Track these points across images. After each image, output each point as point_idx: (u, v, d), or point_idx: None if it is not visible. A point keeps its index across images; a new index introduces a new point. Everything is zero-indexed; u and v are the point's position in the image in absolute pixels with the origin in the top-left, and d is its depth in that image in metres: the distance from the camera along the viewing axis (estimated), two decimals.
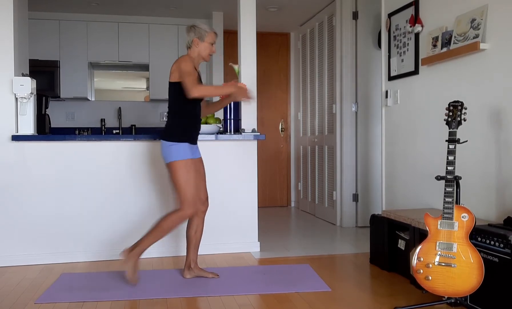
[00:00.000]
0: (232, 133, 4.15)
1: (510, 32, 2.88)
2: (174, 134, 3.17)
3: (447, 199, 2.59)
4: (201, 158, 3.39)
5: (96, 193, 3.97)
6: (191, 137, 3.25)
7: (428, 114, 3.69)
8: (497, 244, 2.53)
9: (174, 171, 3.15)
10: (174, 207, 4.08)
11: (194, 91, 3.07)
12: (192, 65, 3.16)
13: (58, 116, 6.36)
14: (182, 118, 3.21)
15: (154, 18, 6.37)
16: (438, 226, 2.61)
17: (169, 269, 3.67)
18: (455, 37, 3.30)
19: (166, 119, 3.25)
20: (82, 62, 6.18)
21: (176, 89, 3.18)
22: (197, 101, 3.27)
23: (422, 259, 2.63)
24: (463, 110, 2.69)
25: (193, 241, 3.37)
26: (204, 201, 3.37)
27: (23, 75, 4.00)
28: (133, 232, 4.02)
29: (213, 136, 4.01)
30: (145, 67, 6.48)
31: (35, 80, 3.89)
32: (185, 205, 3.16)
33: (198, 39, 3.25)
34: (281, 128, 7.10)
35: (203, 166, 3.40)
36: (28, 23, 4.92)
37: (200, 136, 3.98)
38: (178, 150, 3.14)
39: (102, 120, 6.38)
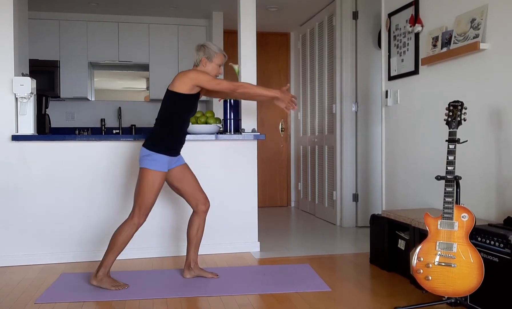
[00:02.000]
0: (232, 133, 4.15)
1: (510, 32, 2.88)
2: (156, 144, 3.12)
3: (447, 199, 2.59)
4: (185, 163, 3.35)
5: (96, 193, 3.97)
6: (173, 150, 3.20)
7: (428, 114, 3.69)
8: (497, 244, 2.53)
9: (142, 177, 3.11)
10: (176, 205, 4.09)
11: (239, 86, 3.13)
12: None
13: (58, 116, 6.36)
14: (169, 130, 3.16)
15: (154, 18, 6.37)
16: (438, 226, 2.61)
17: (169, 269, 3.67)
18: (455, 37, 3.30)
19: (153, 126, 3.21)
20: (82, 62, 6.18)
21: (175, 99, 3.14)
22: (189, 116, 3.24)
23: (422, 259, 2.63)
24: (463, 110, 2.69)
25: (193, 241, 3.37)
26: (204, 201, 3.37)
27: (23, 75, 4.00)
28: None
29: (213, 136, 4.01)
30: (145, 67, 6.48)
31: (35, 80, 3.89)
32: (137, 213, 3.12)
33: (207, 59, 3.24)
34: (281, 128, 7.10)
35: (189, 169, 3.37)
36: (28, 23, 4.92)
37: (200, 137, 3.98)
38: (155, 161, 3.10)
39: (102, 120, 6.38)
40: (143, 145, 3.16)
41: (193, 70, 3.19)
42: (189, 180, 3.34)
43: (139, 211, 3.13)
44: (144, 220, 3.17)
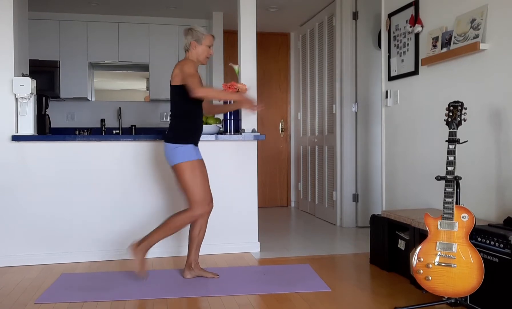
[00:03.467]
0: (232, 133, 4.15)
1: (510, 32, 2.88)
2: (179, 136, 3.19)
3: (447, 199, 2.59)
4: (202, 159, 3.39)
5: (96, 193, 3.97)
6: (195, 139, 3.28)
7: (428, 115, 3.69)
8: (497, 244, 2.53)
9: (181, 172, 3.17)
10: (175, 207, 4.09)
11: (198, 91, 3.09)
12: (194, 67, 3.20)
13: (58, 117, 6.36)
14: (186, 121, 3.23)
15: (154, 18, 6.37)
16: (438, 226, 2.61)
17: (169, 269, 3.67)
18: (455, 37, 3.30)
19: (170, 122, 3.26)
20: (82, 62, 6.18)
21: (179, 92, 3.20)
22: (199, 103, 3.28)
23: (422, 259, 2.63)
24: (463, 111, 2.69)
25: (195, 241, 3.37)
26: (208, 202, 3.37)
27: (23, 75, 4.00)
28: (133, 232, 4.02)
29: (213, 137, 4.01)
30: (145, 67, 6.48)
31: (35, 81, 3.89)
32: (194, 206, 3.19)
33: (196, 42, 3.28)
34: (281, 128, 7.10)
35: (205, 166, 3.40)
36: (28, 23, 4.92)
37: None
38: (184, 152, 3.16)
39: (102, 120, 6.38)
40: (166, 141, 3.21)
41: (184, 63, 3.19)
42: (205, 178, 3.35)
43: (197, 204, 3.19)
44: (204, 210, 3.23)
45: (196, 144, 3.29)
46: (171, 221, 3.19)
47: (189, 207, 3.22)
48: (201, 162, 3.30)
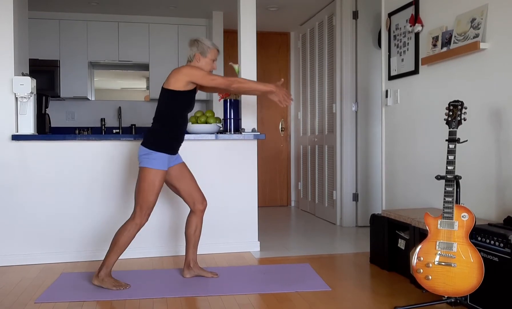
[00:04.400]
0: (232, 133, 4.15)
1: (510, 31, 2.88)
2: (154, 143, 3.10)
3: (447, 199, 2.59)
4: (183, 162, 3.35)
5: (96, 193, 3.97)
6: (172, 148, 3.18)
7: (428, 114, 3.69)
8: (497, 243, 2.53)
9: (142, 176, 3.10)
10: (175, 206, 4.09)
11: (235, 82, 3.12)
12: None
13: (58, 116, 6.36)
14: (168, 128, 3.15)
15: (154, 18, 6.36)
16: (438, 226, 2.61)
17: (168, 268, 3.67)
18: (455, 36, 3.30)
19: (152, 124, 3.20)
20: (82, 62, 6.18)
21: (170, 96, 3.13)
22: (187, 112, 3.23)
23: (422, 259, 2.63)
24: (463, 110, 2.69)
25: (192, 240, 3.36)
26: (201, 201, 3.36)
27: (23, 74, 4.00)
28: None
29: (213, 136, 4.01)
30: (145, 67, 6.48)
31: (35, 80, 3.89)
32: (138, 213, 3.11)
33: (200, 55, 3.23)
34: (281, 128, 7.10)
35: (187, 168, 3.36)
36: (28, 23, 4.92)
37: (200, 136, 3.98)
38: (155, 159, 3.08)
39: (102, 120, 6.38)
40: (142, 144, 3.14)
41: (187, 66, 3.18)
42: (187, 179, 3.33)
43: (141, 211, 3.12)
44: (146, 220, 3.15)
45: (172, 153, 3.19)
46: (119, 238, 3.11)
47: (132, 215, 3.13)
48: (176, 168, 3.27)
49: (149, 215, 3.15)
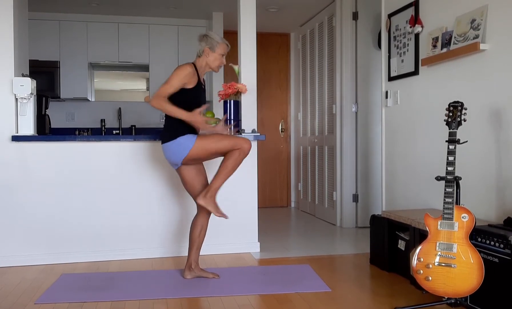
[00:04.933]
0: (232, 133, 4.15)
1: (510, 32, 2.88)
2: (175, 132, 3.14)
3: (447, 199, 2.59)
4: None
5: (96, 193, 3.97)
6: (192, 129, 3.21)
7: (428, 115, 3.69)
8: (497, 244, 2.53)
9: (200, 153, 3.13)
10: (175, 206, 4.09)
11: (154, 100, 3.05)
12: (181, 79, 3.13)
13: (58, 117, 6.36)
14: (178, 120, 3.17)
15: (154, 18, 6.37)
16: (438, 227, 2.61)
17: (169, 269, 3.67)
18: (455, 37, 3.30)
19: (164, 123, 3.22)
20: (82, 63, 6.18)
21: (175, 96, 3.16)
22: (195, 106, 3.22)
23: (422, 260, 2.63)
24: (463, 111, 2.69)
25: (196, 242, 3.36)
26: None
27: (23, 75, 4.00)
28: (133, 232, 4.02)
29: None
30: (145, 68, 6.49)
31: (35, 81, 3.89)
32: (238, 145, 3.13)
33: (209, 49, 3.24)
34: (281, 128, 7.10)
35: (204, 167, 3.39)
36: (28, 23, 4.92)
37: None
38: (186, 140, 3.11)
39: (102, 120, 6.38)
40: (164, 142, 3.17)
41: (179, 69, 3.16)
42: (202, 178, 3.35)
43: (239, 142, 3.13)
44: (249, 142, 3.18)
45: (194, 132, 3.22)
46: (226, 164, 3.13)
47: (236, 150, 3.14)
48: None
49: (246, 140, 3.16)
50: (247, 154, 3.18)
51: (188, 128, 3.19)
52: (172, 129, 3.17)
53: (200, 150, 3.15)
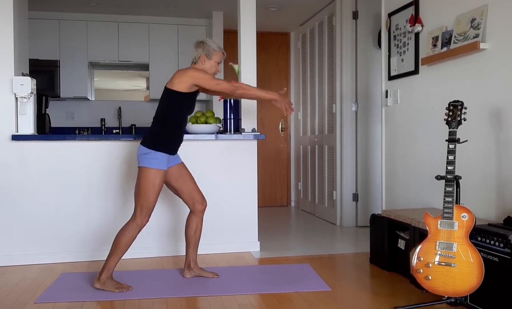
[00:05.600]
0: (232, 133, 4.15)
1: (510, 32, 2.88)
2: (154, 142, 3.09)
3: (447, 199, 2.59)
4: (182, 162, 3.33)
5: (96, 193, 3.97)
6: (172, 149, 3.17)
7: (428, 114, 3.69)
8: (497, 243, 2.53)
9: (142, 176, 3.07)
10: (174, 205, 4.09)
11: (239, 89, 3.11)
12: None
13: (58, 116, 6.36)
14: (167, 128, 3.14)
15: (154, 18, 6.36)
16: (438, 226, 2.61)
17: (169, 268, 3.67)
18: (455, 37, 3.30)
19: (151, 124, 3.20)
20: (82, 62, 6.18)
21: (172, 97, 3.11)
22: (188, 113, 3.23)
23: (422, 259, 2.63)
24: (463, 110, 2.69)
25: (192, 241, 3.36)
26: (201, 201, 3.35)
27: (23, 75, 4.00)
28: None
29: (213, 136, 4.01)
30: (145, 67, 6.48)
31: (35, 80, 3.89)
32: (138, 213, 3.08)
33: (206, 57, 3.22)
34: (281, 128, 7.10)
35: (186, 168, 3.36)
36: (28, 23, 4.91)
37: (200, 136, 3.98)
38: (154, 158, 3.06)
39: (102, 120, 6.38)
40: (141, 143, 3.13)
41: (192, 68, 3.17)
42: (186, 179, 3.32)
43: (141, 211, 3.09)
44: (147, 221, 3.13)
45: (172, 153, 3.18)
46: (120, 239, 3.08)
47: (132, 216, 3.10)
48: (176, 168, 3.26)
49: (149, 215, 3.13)
50: (141, 229, 3.12)
51: (169, 148, 3.14)
52: (154, 138, 3.12)
53: (142, 176, 3.08)
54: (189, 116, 3.85)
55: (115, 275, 3.40)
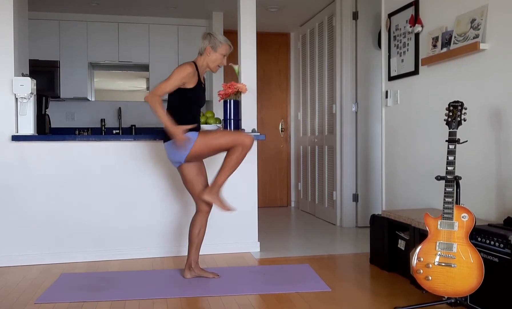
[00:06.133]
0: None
1: (510, 32, 2.88)
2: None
3: (447, 199, 2.59)
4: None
5: (96, 193, 3.97)
6: (194, 122, 3.22)
7: (428, 115, 3.69)
8: (497, 244, 2.53)
9: (202, 147, 3.14)
10: (176, 205, 4.09)
11: (149, 96, 3.07)
12: (180, 79, 3.13)
13: (58, 117, 6.36)
14: (182, 118, 3.19)
15: (154, 18, 6.37)
16: (438, 226, 2.61)
17: (169, 269, 3.67)
18: (455, 37, 3.30)
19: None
20: (82, 62, 6.18)
21: (177, 92, 3.18)
22: (195, 107, 3.25)
23: (422, 259, 2.63)
24: (463, 111, 2.69)
25: (195, 242, 3.36)
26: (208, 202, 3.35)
27: (23, 75, 4.00)
28: (133, 232, 4.02)
29: None
30: (145, 67, 6.48)
31: (35, 80, 3.89)
32: (240, 140, 3.12)
33: (211, 49, 3.25)
34: (281, 128, 7.10)
35: (205, 167, 3.39)
36: (28, 23, 4.92)
37: None
38: (189, 136, 3.12)
39: (102, 120, 6.38)
40: (166, 141, 3.19)
41: (180, 67, 3.17)
42: (202, 178, 3.35)
43: (240, 138, 3.13)
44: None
45: (195, 128, 3.22)
46: (229, 161, 3.15)
47: (238, 145, 3.14)
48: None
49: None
50: (250, 149, 3.19)
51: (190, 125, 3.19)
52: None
53: (202, 147, 3.16)
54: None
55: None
